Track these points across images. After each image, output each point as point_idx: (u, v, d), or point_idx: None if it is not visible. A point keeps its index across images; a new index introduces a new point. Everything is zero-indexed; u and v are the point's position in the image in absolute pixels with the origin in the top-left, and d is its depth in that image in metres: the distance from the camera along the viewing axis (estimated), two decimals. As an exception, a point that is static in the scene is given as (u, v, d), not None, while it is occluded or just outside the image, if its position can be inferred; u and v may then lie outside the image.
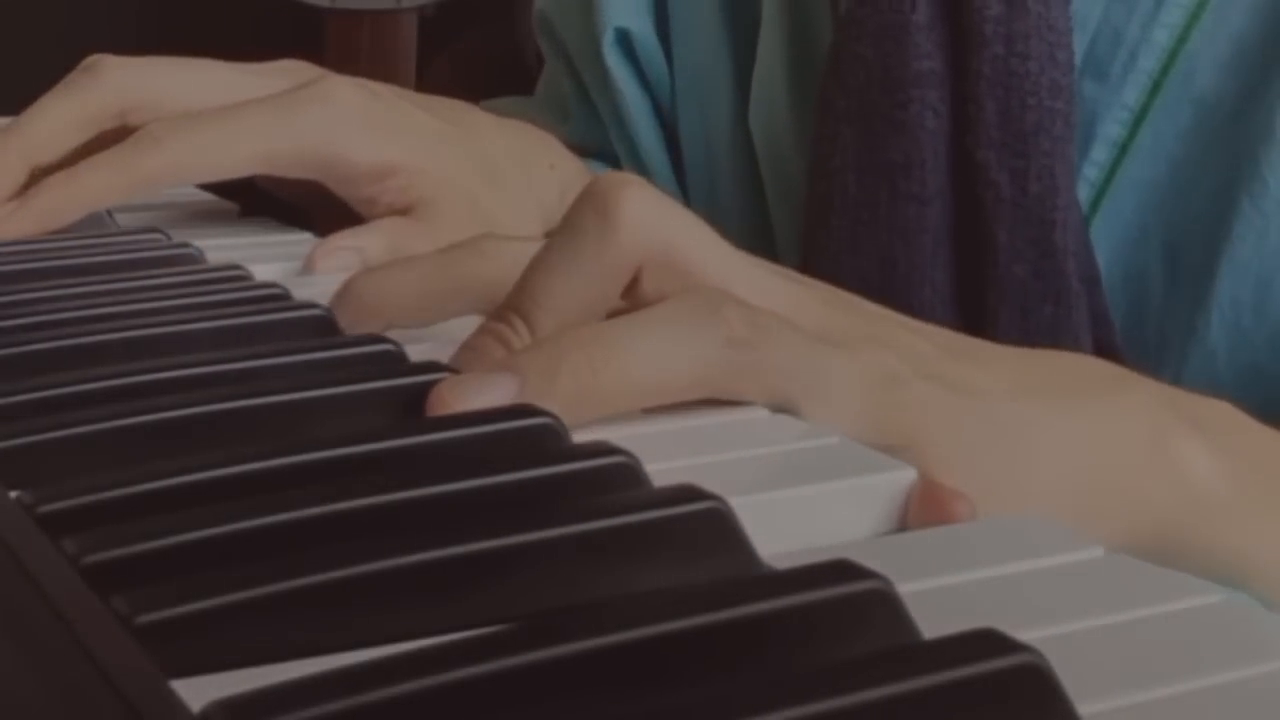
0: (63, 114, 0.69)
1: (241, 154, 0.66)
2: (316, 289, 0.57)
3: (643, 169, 0.87)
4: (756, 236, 0.82)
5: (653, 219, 0.48)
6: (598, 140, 0.88)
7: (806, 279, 0.52)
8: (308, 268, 0.65)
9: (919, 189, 0.72)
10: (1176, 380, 0.68)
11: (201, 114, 0.67)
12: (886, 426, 0.47)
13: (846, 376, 0.47)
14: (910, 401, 0.48)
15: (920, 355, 0.50)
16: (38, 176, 0.69)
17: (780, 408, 0.47)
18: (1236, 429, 0.54)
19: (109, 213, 0.70)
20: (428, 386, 0.45)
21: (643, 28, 0.86)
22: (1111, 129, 0.72)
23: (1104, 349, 0.71)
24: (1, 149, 0.68)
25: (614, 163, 0.88)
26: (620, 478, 0.39)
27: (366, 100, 0.69)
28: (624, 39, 0.86)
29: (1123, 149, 0.72)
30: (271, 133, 0.67)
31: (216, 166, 0.67)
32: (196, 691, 0.30)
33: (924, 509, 0.42)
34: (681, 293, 0.47)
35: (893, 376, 0.48)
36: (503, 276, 0.50)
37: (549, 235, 0.50)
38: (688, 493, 0.36)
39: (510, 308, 0.49)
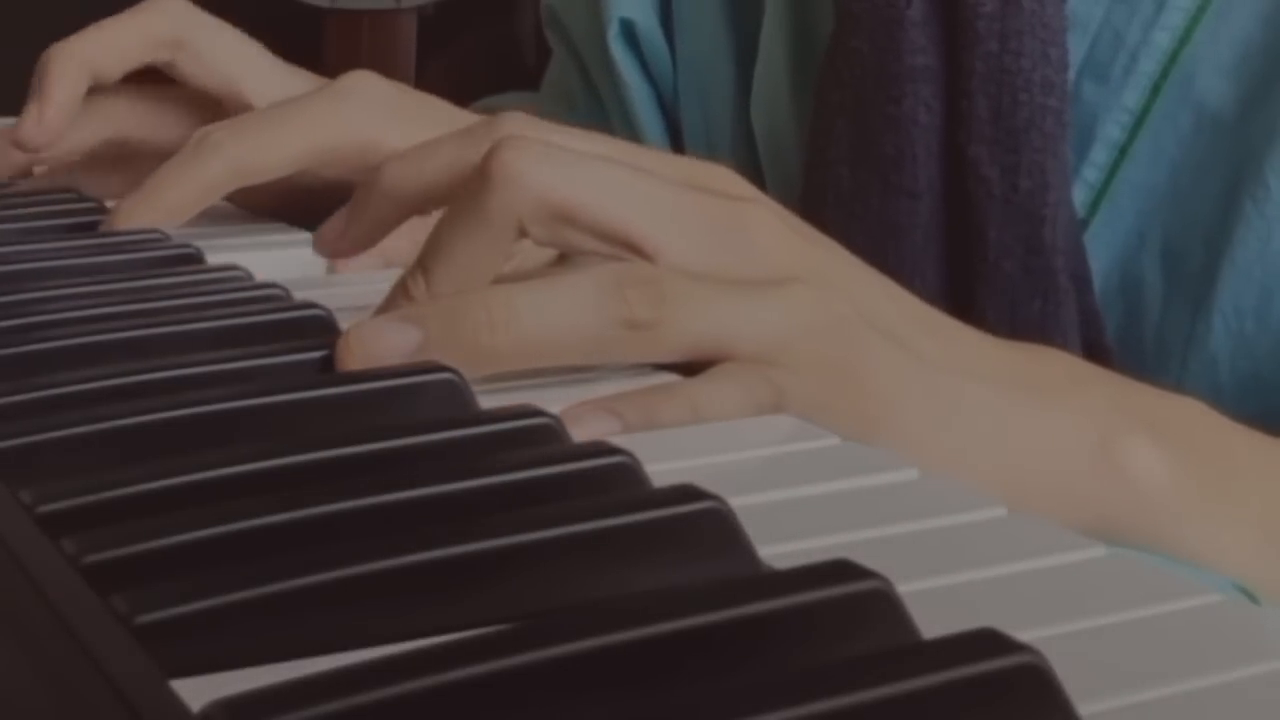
0: (126, 32, 0.72)
1: (292, 152, 0.67)
2: (317, 289, 0.57)
3: None
4: None
5: (528, 174, 0.50)
6: (603, 131, 0.88)
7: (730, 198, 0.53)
8: (331, 267, 0.65)
9: (910, 183, 0.73)
10: (1177, 389, 0.68)
11: (249, 117, 0.68)
12: (826, 369, 0.49)
13: (780, 321, 0.49)
14: (855, 345, 0.50)
15: (876, 307, 0.51)
16: (92, 90, 0.72)
17: (700, 361, 0.49)
18: (1196, 427, 0.55)
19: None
20: (429, 386, 0.45)
21: (647, 19, 0.87)
22: (1111, 131, 0.72)
23: (1093, 348, 0.71)
24: (66, 59, 0.71)
25: None
26: (620, 478, 0.39)
27: (395, 91, 0.70)
28: (628, 30, 0.87)
29: (1122, 151, 0.72)
30: (318, 129, 0.68)
31: (271, 167, 0.68)
32: (196, 691, 0.30)
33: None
34: (594, 262, 0.50)
35: (837, 318, 0.50)
36: None
37: None
38: (688, 493, 0.36)
39: (416, 262, 0.52)
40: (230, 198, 0.73)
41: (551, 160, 0.50)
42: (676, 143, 0.88)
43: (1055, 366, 0.55)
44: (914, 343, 0.51)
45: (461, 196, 0.51)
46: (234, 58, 0.74)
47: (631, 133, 0.88)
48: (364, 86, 0.69)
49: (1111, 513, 0.51)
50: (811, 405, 0.48)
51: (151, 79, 0.75)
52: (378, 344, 0.48)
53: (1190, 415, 0.55)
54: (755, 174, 0.83)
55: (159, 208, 0.67)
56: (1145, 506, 0.52)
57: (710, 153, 0.86)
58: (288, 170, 0.68)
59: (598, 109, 0.90)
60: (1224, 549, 0.52)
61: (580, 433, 0.44)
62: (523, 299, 0.48)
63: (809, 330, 0.49)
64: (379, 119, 0.69)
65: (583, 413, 0.46)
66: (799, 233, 0.53)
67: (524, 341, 0.48)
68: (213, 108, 0.75)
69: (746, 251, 0.51)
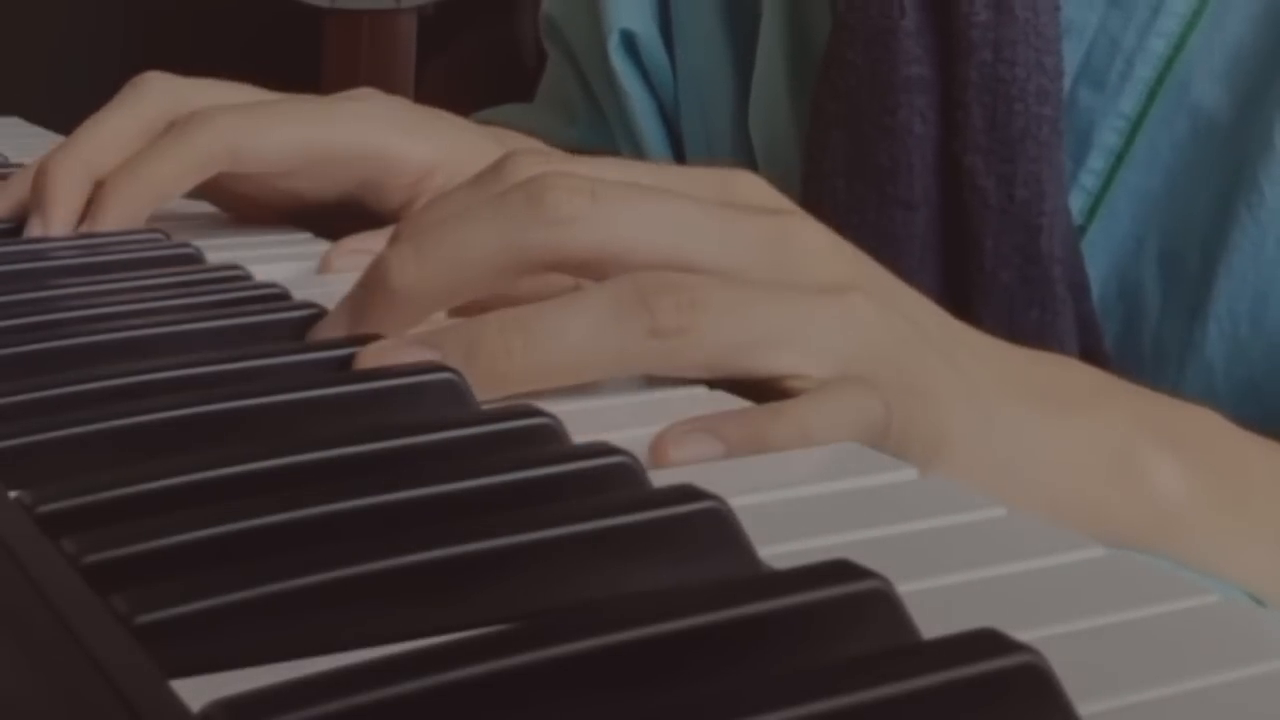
0: (118, 128, 0.69)
1: (288, 138, 0.66)
2: (317, 289, 0.57)
3: None
4: None
5: (582, 221, 0.48)
6: (606, 142, 0.89)
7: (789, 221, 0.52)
8: (323, 268, 0.65)
9: (907, 194, 0.73)
10: (1175, 393, 0.68)
11: (244, 104, 0.67)
12: (897, 390, 0.47)
13: (844, 334, 0.48)
14: (922, 366, 0.49)
15: (922, 320, 0.50)
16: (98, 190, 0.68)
17: (740, 376, 0.47)
18: (1215, 439, 0.55)
19: None
20: (429, 386, 0.45)
21: (647, 29, 0.87)
22: (1108, 138, 0.72)
23: (1091, 356, 0.71)
24: (66, 166, 0.68)
25: None
26: (620, 478, 0.39)
27: (400, 105, 0.70)
28: (629, 41, 0.87)
29: (1119, 158, 0.72)
30: (316, 126, 0.67)
31: (266, 150, 0.66)
32: (196, 691, 0.30)
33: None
34: (616, 276, 0.47)
35: (901, 336, 0.49)
36: (576, 246, 0.48)
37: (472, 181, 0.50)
38: (688, 493, 0.36)
39: (408, 238, 0.49)
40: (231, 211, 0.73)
41: (602, 202, 0.48)
42: (678, 152, 0.88)
43: (1078, 377, 0.54)
44: (955, 358, 0.51)
45: (493, 217, 0.48)
46: None
47: (633, 143, 0.88)
48: (368, 96, 0.69)
49: (1131, 527, 0.51)
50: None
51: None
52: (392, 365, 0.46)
53: (1208, 427, 0.55)
54: None
55: (150, 187, 0.66)
56: (1164, 522, 0.52)
57: (711, 163, 0.86)
58: (281, 163, 0.67)
59: (599, 119, 0.90)
60: (1240, 563, 0.52)
61: (680, 455, 0.43)
62: (539, 322, 0.47)
63: (877, 347, 0.48)
64: (383, 127, 0.68)
65: (682, 434, 0.43)
66: (840, 245, 0.52)
67: (543, 364, 0.46)
68: None
69: (794, 266, 0.49)
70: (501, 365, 0.46)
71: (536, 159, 0.50)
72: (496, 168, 0.51)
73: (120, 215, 0.66)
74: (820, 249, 0.51)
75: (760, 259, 0.49)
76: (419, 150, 0.69)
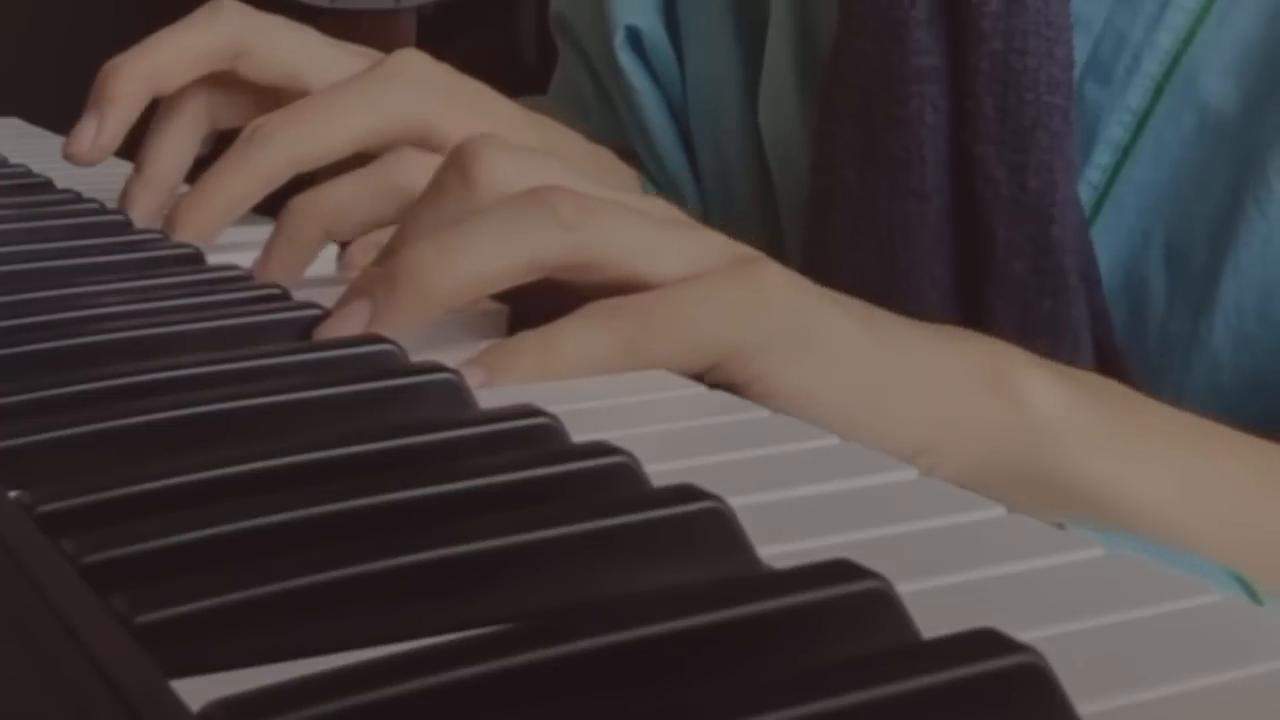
0: (186, 46, 0.72)
1: (344, 137, 0.68)
2: (317, 289, 0.57)
3: (659, 166, 0.88)
4: (772, 237, 0.82)
5: (510, 176, 0.52)
6: (618, 136, 0.89)
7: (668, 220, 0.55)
8: (346, 267, 0.65)
9: (918, 184, 0.73)
10: (1180, 388, 0.69)
11: (298, 106, 0.68)
12: (742, 296, 0.51)
13: (696, 246, 0.52)
14: (771, 284, 0.52)
15: (785, 270, 0.53)
16: (154, 104, 0.72)
17: (630, 284, 0.51)
18: (1114, 385, 0.57)
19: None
20: (428, 386, 0.45)
21: (652, 26, 0.87)
22: (1114, 131, 0.72)
23: (1104, 347, 0.72)
24: (131, 73, 0.71)
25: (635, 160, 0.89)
26: (620, 478, 0.39)
27: (444, 74, 0.71)
28: (635, 37, 0.87)
29: (1125, 152, 0.72)
30: (368, 113, 0.68)
31: (324, 153, 0.68)
32: (196, 691, 0.30)
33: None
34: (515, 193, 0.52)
35: (754, 259, 0.53)
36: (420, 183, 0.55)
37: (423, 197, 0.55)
38: (688, 493, 0.36)
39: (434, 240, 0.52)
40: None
41: (596, 215, 0.52)
42: (689, 149, 0.88)
43: (940, 324, 0.57)
44: (817, 292, 0.53)
45: (433, 197, 0.53)
46: (293, 56, 0.73)
47: (644, 138, 0.88)
48: (412, 68, 0.70)
49: (1012, 442, 0.54)
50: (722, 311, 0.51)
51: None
52: (341, 334, 0.51)
53: (1108, 380, 0.57)
54: (767, 184, 0.83)
55: (217, 203, 0.67)
56: (1042, 434, 0.54)
57: (721, 164, 0.87)
58: (341, 155, 0.68)
59: (610, 114, 0.90)
60: (1132, 487, 0.54)
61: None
62: (452, 233, 0.50)
63: (725, 267, 0.52)
64: (430, 101, 0.69)
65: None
66: (799, 281, 0.54)
67: (465, 272, 0.50)
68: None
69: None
70: (425, 282, 0.50)
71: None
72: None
73: (194, 233, 0.67)
74: (780, 285, 0.53)
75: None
76: (464, 128, 0.69)
